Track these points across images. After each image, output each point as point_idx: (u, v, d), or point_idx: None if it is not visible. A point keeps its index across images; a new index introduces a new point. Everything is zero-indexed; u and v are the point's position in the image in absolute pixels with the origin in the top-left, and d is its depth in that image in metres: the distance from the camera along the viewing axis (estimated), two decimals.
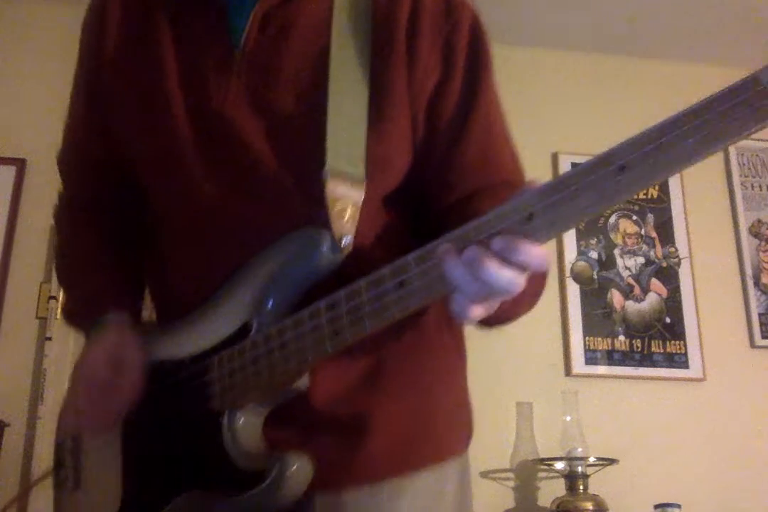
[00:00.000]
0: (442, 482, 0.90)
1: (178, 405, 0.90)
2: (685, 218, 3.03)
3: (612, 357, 2.82)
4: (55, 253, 1.11)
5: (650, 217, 3.03)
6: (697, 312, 2.90)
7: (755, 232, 3.08)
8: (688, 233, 3.01)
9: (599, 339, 2.83)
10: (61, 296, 2.49)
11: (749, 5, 2.88)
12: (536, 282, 0.81)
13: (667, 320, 2.89)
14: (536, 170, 3.22)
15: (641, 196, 3.05)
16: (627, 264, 2.95)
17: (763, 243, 3.07)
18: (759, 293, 2.99)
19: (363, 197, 0.85)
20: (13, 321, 2.56)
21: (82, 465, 0.97)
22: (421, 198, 0.93)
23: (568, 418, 2.61)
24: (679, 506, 2.46)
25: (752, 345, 2.92)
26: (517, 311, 0.87)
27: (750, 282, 3.00)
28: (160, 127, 0.93)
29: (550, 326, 2.84)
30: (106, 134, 1.00)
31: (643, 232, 3.01)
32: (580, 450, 2.52)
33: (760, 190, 3.15)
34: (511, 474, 2.65)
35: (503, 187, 0.89)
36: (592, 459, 2.52)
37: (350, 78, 0.89)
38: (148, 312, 1.05)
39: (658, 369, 2.83)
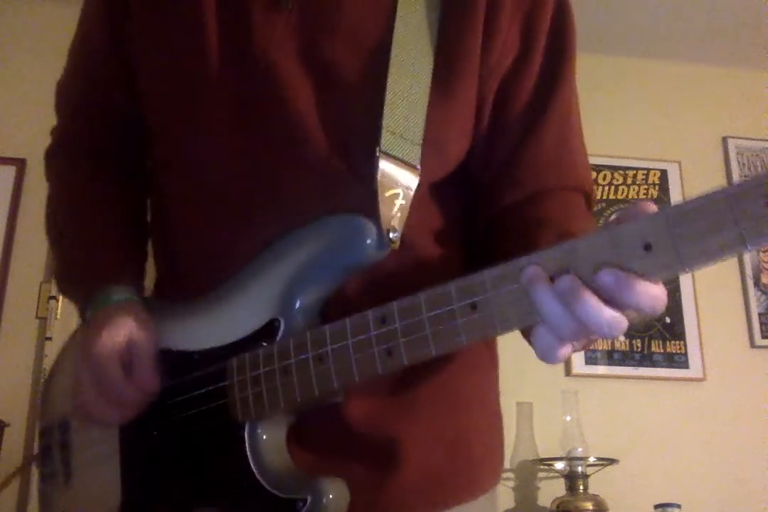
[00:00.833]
0: None
1: (188, 408, 0.78)
2: None
3: (612, 357, 2.82)
4: (48, 200, 0.95)
5: None
6: (697, 312, 2.90)
7: None
8: None
9: (599, 339, 2.83)
10: (54, 287, 2.49)
11: (749, 5, 2.88)
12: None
13: (667, 320, 2.89)
14: None
15: (641, 196, 3.05)
16: None
17: None
18: (759, 293, 2.99)
19: (416, 185, 0.74)
20: (13, 321, 2.56)
21: (73, 461, 0.88)
22: (479, 193, 0.82)
23: (568, 418, 2.61)
24: (679, 506, 2.46)
25: (752, 345, 2.92)
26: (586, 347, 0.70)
27: (750, 282, 2.99)
28: (186, 60, 0.80)
29: None
30: (124, 66, 0.87)
31: None
32: (580, 450, 2.51)
33: None
34: (511, 474, 2.65)
35: (572, 192, 0.80)
36: (592, 459, 2.52)
37: (417, 43, 0.76)
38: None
39: (658, 369, 2.83)
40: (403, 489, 0.75)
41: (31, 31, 2.86)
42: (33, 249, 2.58)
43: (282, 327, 0.74)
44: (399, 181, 0.73)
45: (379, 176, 0.72)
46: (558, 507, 2.47)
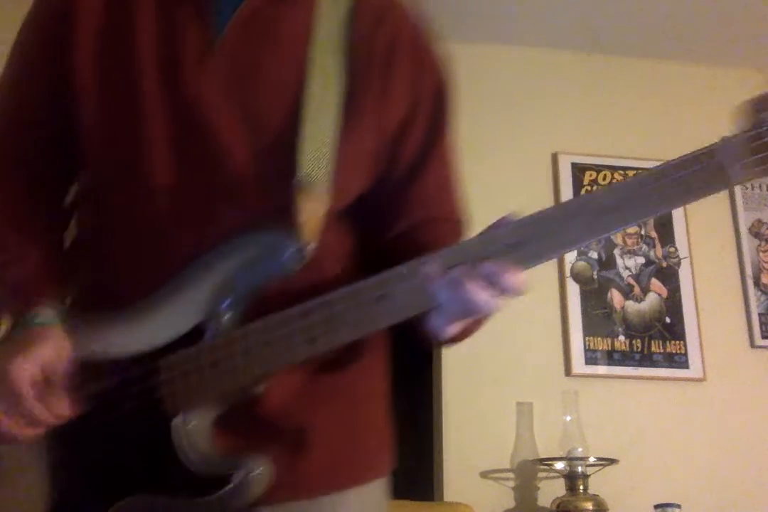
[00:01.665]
0: (369, 502, 0.93)
1: (119, 407, 0.85)
2: (685, 218, 3.03)
3: (612, 357, 2.82)
4: None
5: None
6: (697, 312, 2.90)
7: (755, 232, 3.08)
8: (688, 233, 3.01)
9: (599, 339, 2.83)
10: None
11: (749, 5, 2.88)
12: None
13: (667, 320, 2.89)
14: (536, 170, 3.25)
15: None
16: (627, 264, 2.95)
17: (763, 243, 3.07)
18: (759, 293, 2.99)
19: (325, 210, 0.88)
20: None
21: None
22: (375, 220, 0.98)
23: (568, 418, 2.61)
24: (679, 506, 2.46)
25: (752, 345, 2.92)
26: (475, 330, 0.88)
27: (750, 282, 2.99)
28: (125, 98, 0.91)
29: (550, 326, 2.84)
30: (60, 86, 0.93)
31: (643, 231, 3.01)
32: (580, 450, 2.52)
33: (760, 190, 3.15)
34: (511, 474, 2.65)
35: (450, 223, 0.99)
36: (592, 459, 2.52)
37: (325, 93, 0.91)
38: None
39: (658, 369, 2.83)
40: (311, 471, 0.88)
41: None
42: None
43: (209, 330, 0.84)
44: (311, 207, 0.87)
45: (295, 204, 0.86)
46: (558, 507, 2.47)
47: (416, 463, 3.08)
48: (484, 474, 2.63)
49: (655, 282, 2.94)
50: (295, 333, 0.79)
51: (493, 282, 0.73)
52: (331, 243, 0.92)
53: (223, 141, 0.88)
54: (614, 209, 0.71)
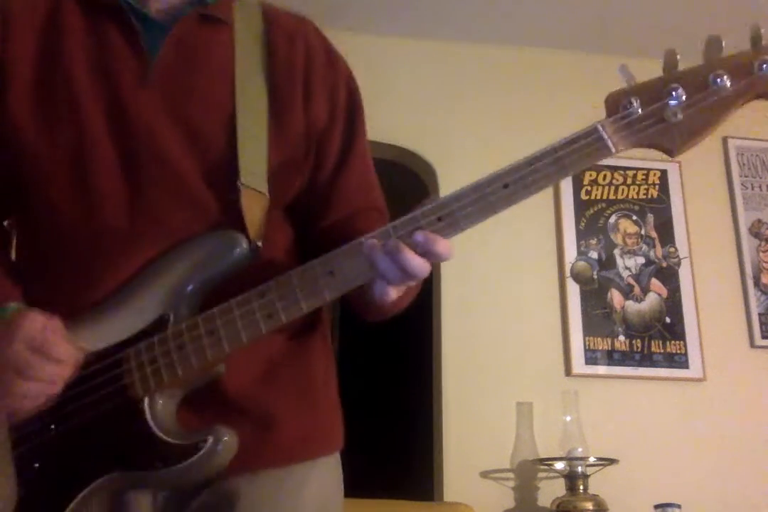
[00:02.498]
0: (336, 469, 1.04)
1: (91, 396, 0.91)
2: (685, 218, 3.03)
3: (612, 357, 2.82)
4: None
5: (650, 217, 3.03)
6: (697, 312, 2.90)
7: (755, 232, 3.08)
8: (688, 233, 3.01)
9: (599, 339, 2.84)
10: None
11: (750, 6, 2.88)
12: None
13: (667, 320, 2.90)
14: None
15: (641, 196, 3.05)
16: (627, 264, 2.95)
17: (763, 243, 3.07)
18: (759, 293, 2.99)
19: (267, 208, 0.98)
20: None
21: None
22: (309, 215, 1.08)
23: (568, 418, 2.61)
24: (679, 506, 2.46)
25: (752, 345, 2.92)
26: (412, 297, 1.00)
27: (750, 282, 3.00)
28: (68, 121, 0.97)
29: (550, 326, 2.84)
30: None
31: (643, 232, 3.01)
32: (580, 450, 2.52)
33: (760, 190, 3.15)
34: (511, 474, 2.65)
35: (373, 211, 1.10)
36: (592, 459, 2.52)
37: (254, 106, 1.02)
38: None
39: (658, 369, 2.83)
40: (280, 446, 0.97)
41: None
42: None
43: (171, 319, 0.92)
44: (256, 206, 0.97)
45: (242, 202, 0.95)
46: (558, 507, 2.47)
47: (416, 463, 3.09)
48: (484, 474, 2.63)
49: (655, 282, 2.94)
50: (255, 310, 0.89)
51: (426, 249, 0.85)
52: (278, 237, 1.03)
53: (170, 156, 0.97)
54: (519, 180, 0.89)
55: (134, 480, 0.90)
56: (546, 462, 2.60)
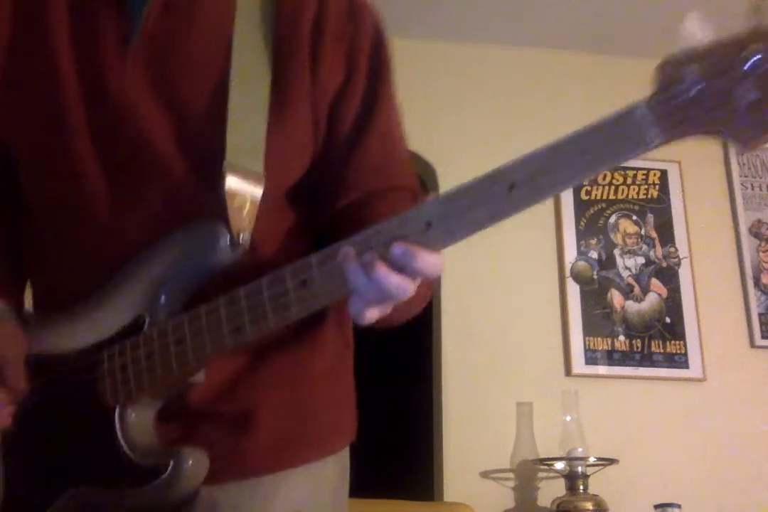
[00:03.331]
0: (319, 478, 0.90)
1: (62, 401, 0.86)
2: (685, 218, 3.03)
3: (612, 357, 2.82)
4: None
5: (650, 217, 3.03)
6: (697, 312, 2.90)
7: (755, 232, 3.08)
8: (688, 233, 3.01)
9: (599, 339, 2.83)
10: None
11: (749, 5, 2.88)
12: (426, 287, 0.82)
13: (667, 320, 2.89)
14: None
15: (641, 196, 3.05)
16: (627, 264, 2.95)
17: (763, 243, 3.07)
18: (759, 293, 2.99)
19: (261, 193, 0.84)
20: None
21: None
22: (319, 197, 0.93)
23: (568, 418, 2.61)
24: (679, 506, 2.46)
25: (752, 345, 2.92)
26: (406, 315, 0.86)
27: (750, 282, 2.99)
28: (46, 102, 0.88)
29: (550, 326, 2.84)
30: None
31: (643, 231, 3.01)
32: (580, 450, 2.52)
33: (760, 190, 3.15)
34: (511, 474, 2.65)
35: (399, 191, 0.93)
36: (592, 459, 2.52)
37: (252, 72, 0.88)
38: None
39: (658, 369, 2.83)
40: (257, 450, 0.86)
41: None
42: None
43: (147, 322, 0.83)
44: (245, 191, 0.83)
45: (226, 187, 0.82)
46: (558, 507, 2.47)
47: (416, 463, 3.09)
48: (484, 474, 2.63)
49: (655, 282, 2.94)
50: (222, 321, 0.78)
51: (403, 265, 0.69)
52: (278, 228, 0.90)
53: (146, 128, 0.85)
54: (528, 180, 0.67)
55: (101, 497, 0.83)
56: (546, 462, 2.60)
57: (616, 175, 3.05)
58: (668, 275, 2.96)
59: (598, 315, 2.86)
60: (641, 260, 2.97)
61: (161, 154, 0.85)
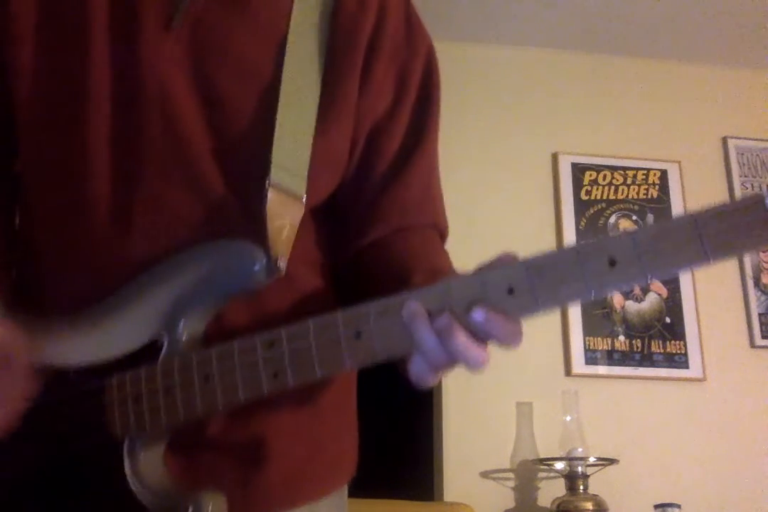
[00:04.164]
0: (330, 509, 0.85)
1: (64, 425, 0.76)
2: None
3: (612, 357, 2.82)
4: None
5: (650, 217, 3.03)
6: (697, 312, 2.90)
7: None
8: None
9: (599, 339, 2.83)
10: None
11: (749, 5, 2.88)
12: None
13: (667, 320, 2.89)
14: (536, 170, 3.25)
15: (641, 196, 3.05)
16: None
17: None
18: (759, 293, 2.99)
19: (300, 217, 0.77)
20: None
21: None
22: (347, 225, 0.86)
23: (568, 418, 2.61)
24: (679, 506, 2.46)
25: (752, 345, 2.92)
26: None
27: (750, 282, 2.99)
28: (70, 72, 0.78)
29: (550, 326, 2.84)
30: None
31: None
32: (580, 450, 2.51)
33: (760, 190, 3.14)
34: (511, 474, 2.65)
35: (432, 231, 0.88)
36: (592, 459, 2.52)
37: (305, 78, 0.80)
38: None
39: (658, 369, 2.83)
40: (268, 485, 0.78)
41: None
42: None
43: (165, 347, 0.74)
44: (286, 213, 0.76)
45: (268, 207, 0.74)
46: (558, 507, 2.47)
47: (416, 463, 3.08)
48: (484, 474, 2.63)
49: (655, 282, 2.94)
50: (259, 363, 0.69)
51: (486, 334, 0.62)
52: (304, 251, 0.82)
53: (181, 123, 0.76)
54: (635, 259, 0.58)
55: None
56: (546, 462, 2.60)
57: (616, 174, 3.05)
58: None
59: (598, 315, 2.86)
60: None
61: (192, 153, 0.76)
